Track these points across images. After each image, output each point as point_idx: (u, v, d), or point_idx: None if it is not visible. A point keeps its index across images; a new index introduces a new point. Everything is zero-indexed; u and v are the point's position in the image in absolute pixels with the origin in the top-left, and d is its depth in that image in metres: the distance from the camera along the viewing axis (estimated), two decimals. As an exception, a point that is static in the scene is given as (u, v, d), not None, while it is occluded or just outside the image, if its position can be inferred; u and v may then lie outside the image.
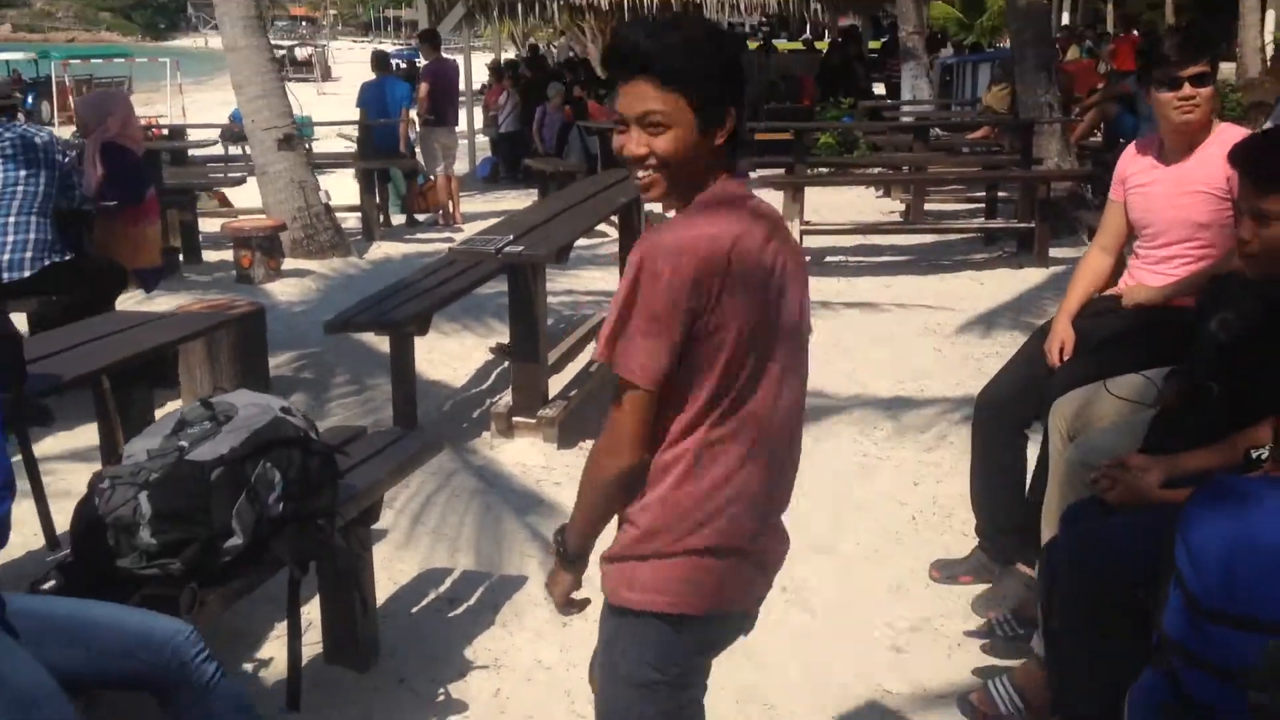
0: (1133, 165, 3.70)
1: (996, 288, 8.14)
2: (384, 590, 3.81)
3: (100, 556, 2.62)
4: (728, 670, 2.79)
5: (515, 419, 5.24)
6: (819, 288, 8.29)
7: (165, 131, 15.33)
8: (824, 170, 12.31)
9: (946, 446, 5.03)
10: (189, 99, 29.42)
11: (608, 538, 2.04)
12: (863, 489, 4.67)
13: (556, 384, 5.61)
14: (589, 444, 5.19)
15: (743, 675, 3.28)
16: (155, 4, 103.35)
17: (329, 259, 9.51)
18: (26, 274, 5.36)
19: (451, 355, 6.67)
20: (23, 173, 5.44)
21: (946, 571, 3.88)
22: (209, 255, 9.62)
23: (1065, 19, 25.58)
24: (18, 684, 2.06)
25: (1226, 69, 17.12)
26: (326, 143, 17.14)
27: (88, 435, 4.88)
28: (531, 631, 3.60)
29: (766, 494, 1.97)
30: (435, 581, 3.97)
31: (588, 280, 8.53)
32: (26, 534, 4.03)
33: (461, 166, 14.45)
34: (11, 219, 5.37)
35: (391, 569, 4.01)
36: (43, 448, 4.98)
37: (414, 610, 3.78)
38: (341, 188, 11.74)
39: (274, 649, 3.43)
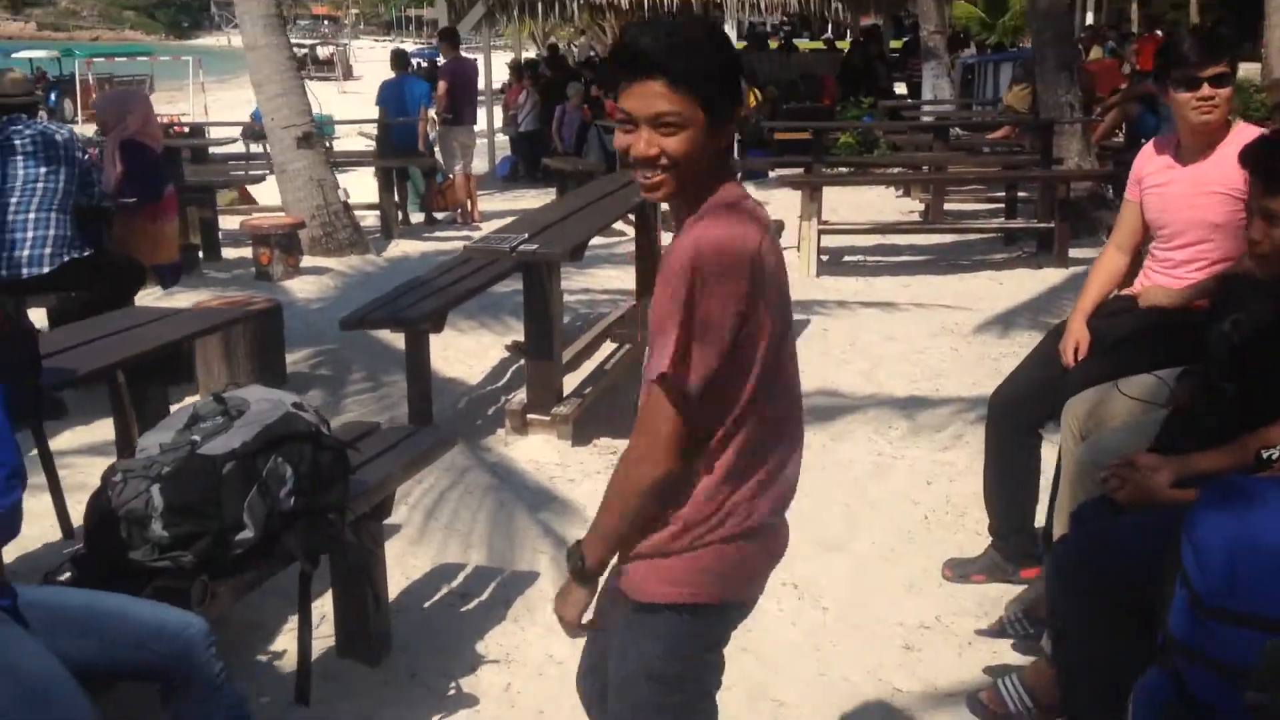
0: (1149, 165, 3.68)
1: (1015, 288, 8.11)
2: (396, 585, 3.82)
3: (113, 549, 2.64)
4: (738, 668, 2.79)
5: (530, 416, 5.26)
6: (837, 287, 8.28)
7: (186, 129, 15.43)
8: (843, 170, 12.29)
9: (961, 446, 5.01)
10: (212, 97, 29.61)
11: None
12: (876, 488, 4.66)
13: (571, 381, 5.62)
14: (603, 441, 5.27)
15: (753, 673, 3.29)
16: (179, 3, 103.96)
17: (347, 257, 9.55)
18: (46, 270, 5.41)
19: (468, 353, 6.69)
20: (43, 169, 5.49)
21: (959, 570, 3.87)
22: (228, 252, 9.68)
23: (1090, 18, 25.41)
24: (30, 673, 2.08)
25: (1251, 69, 17.00)
26: (347, 141, 17.25)
27: (105, 429, 4.92)
28: (543, 627, 3.61)
29: (787, 483, 2.01)
30: (448, 577, 3.98)
31: (604, 279, 8.55)
32: (44, 526, 4.08)
33: (481, 165, 14.51)
34: (32, 215, 5.42)
35: (404, 564, 4.03)
36: (60, 441, 5.03)
37: (426, 605, 3.79)
38: (361, 186, 11.80)
39: (286, 642, 3.45)
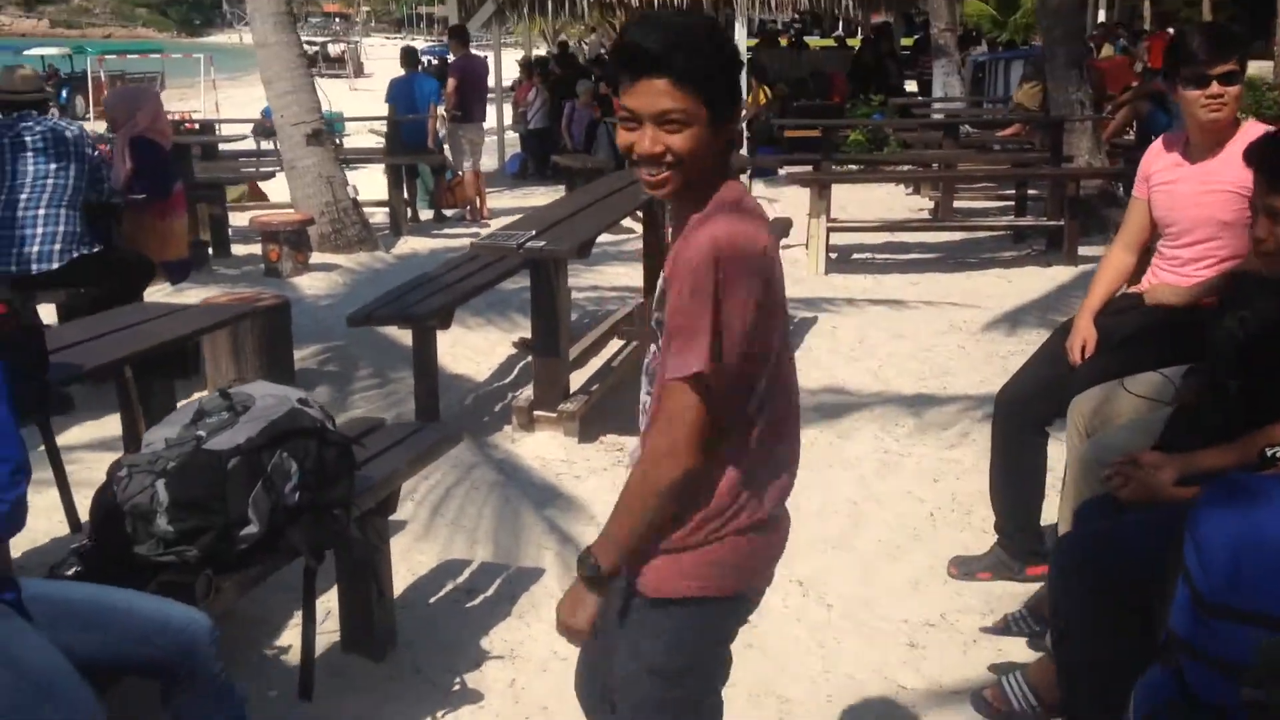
0: (1157, 162, 3.67)
1: (1024, 286, 8.09)
2: (402, 580, 3.83)
3: (118, 543, 2.65)
4: (742, 664, 2.78)
5: (536, 413, 5.26)
6: (846, 284, 8.27)
7: (197, 126, 15.47)
8: (852, 167, 12.28)
9: (968, 444, 5.01)
10: (223, 94, 29.62)
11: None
12: (882, 485, 4.66)
13: (579, 379, 5.63)
14: (609, 438, 5.27)
15: (757, 670, 3.29)
16: (191, 0, 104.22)
17: (356, 254, 9.57)
18: (55, 266, 5.43)
19: (475, 350, 6.70)
20: (53, 166, 5.51)
21: (965, 568, 3.87)
22: (238, 249, 9.70)
23: (1102, 16, 25.32)
24: (34, 667, 2.09)
25: (1265, 67, 16.93)
26: (358, 138, 17.24)
27: (114, 425, 4.93)
28: (548, 623, 3.59)
29: (790, 475, 2.03)
30: (453, 573, 3.99)
31: (612, 276, 8.55)
32: (52, 521, 4.10)
33: (491, 163, 14.51)
34: (41, 211, 5.44)
35: (410, 560, 4.04)
36: (69, 437, 5.06)
37: (431, 600, 3.80)
38: (371, 183, 11.82)
39: (292, 637, 3.46)
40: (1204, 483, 2.16)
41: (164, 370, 4.38)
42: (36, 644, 2.12)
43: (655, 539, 1.92)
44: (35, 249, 5.40)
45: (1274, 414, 2.45)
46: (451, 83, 11.85)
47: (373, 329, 6.19)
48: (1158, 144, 3.74)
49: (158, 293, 6.84)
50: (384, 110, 12.43)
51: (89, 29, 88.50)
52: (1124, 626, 2.30)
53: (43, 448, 3.72)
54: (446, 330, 5.75)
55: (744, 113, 15.12)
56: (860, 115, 15.04)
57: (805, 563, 3.95)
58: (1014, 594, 3.64)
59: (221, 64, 35.20)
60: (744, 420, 1.91)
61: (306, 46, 11.10)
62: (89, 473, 4.45)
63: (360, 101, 24.16)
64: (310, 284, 8.51)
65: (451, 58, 13.01)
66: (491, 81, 14.08)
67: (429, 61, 18.73)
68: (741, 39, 14.35)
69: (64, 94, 29.45)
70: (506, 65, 18.34)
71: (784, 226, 7.77)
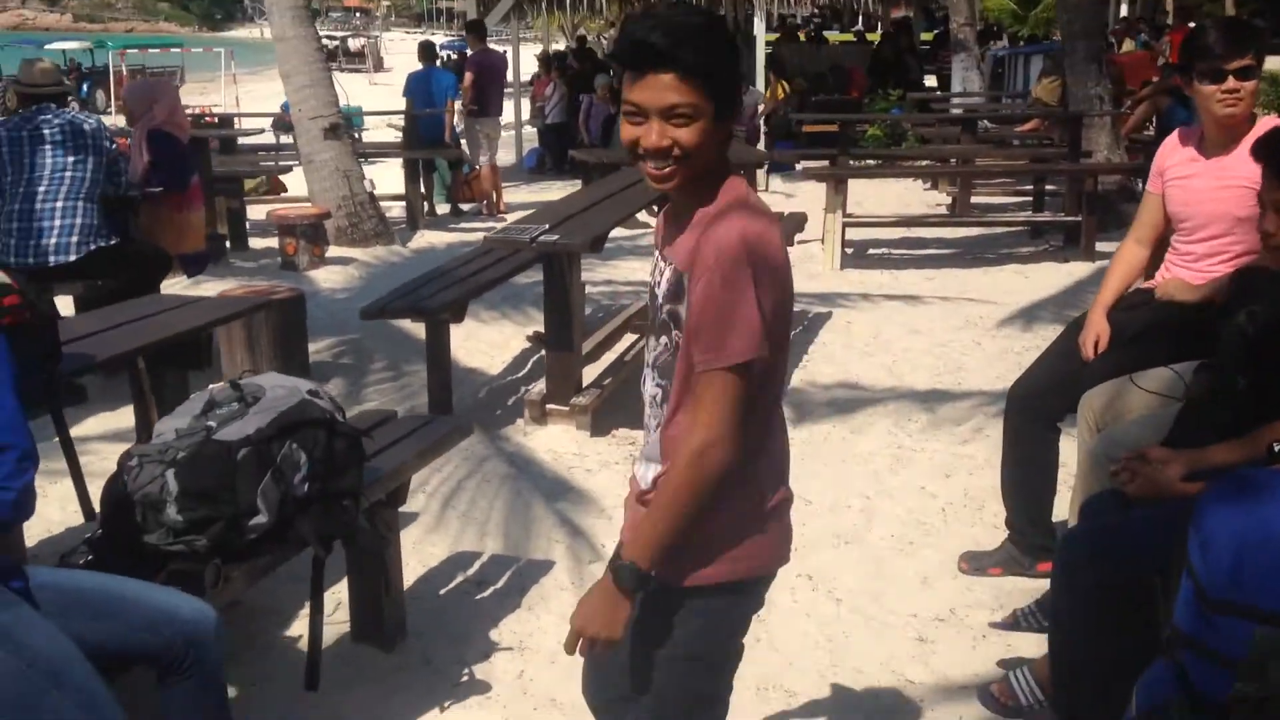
0: (1172, 157, 3.64)
1: (1041, 281, 8.05)
2: (413, 572, 3.85)
3: (128, 532, 2.67)
4: (750, 658, 2.76)
5: (549, 406, 5.27)
6: (861, 280, 8.25)
7: (216, 120, 15.54)
8: (869, 162, 12.24)
9: (981, 439, 4.99)
10: (243, 89, 29.75)
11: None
12: (895, 480, 4.65)
13: (591, 373, 5.63)
14: (621, 432, 5.28)
15: (765, 663, 3.29)
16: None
17: (373, 247, 9.60)
18: (72, 258, 5.46)
19: (490, 343, 6.71)
20: (70, 159, 5.55)
21: (975, 563, 3.86)
22: (255, 242, 9.75)
23: (1124, 10, 25.18)
24: (42, 654, 2.10)
25: (1286, 62, 16.76)
26: (377, 133, 17.27)
27: (128, 416, 4.97)
28: (557, 615, 3.62)
29: (788, 457, 2.09)
30: (463, 564, 4.00)
31: (627, 270, 8.55)
32: (67, 511, 4.13)
33: (508, 157, 14.52)
34: (59, 204, 5.48)
35: (421, 551, 4.05)
36: (85, 427, 5.10)
37: (442, 592, 3.82)
38: (389, 177, 11.85)
39: (302, 627, 3.47)
40: (1211, 478, 2.15)
41: (177, 362, 4.41)
42: (45, 631, 2.14)
43: (691, 531, 1.92)
44: (53, 241, 5.44)
45: (1282, 409, 2.43)
46: (469, 77, 11.87)
47: (387, 322, 6.21)
48: (1173, 139, 3.71)
49: (174, 285, 6.89)
50: (403, 105, 12.47)
51: (111, 23, 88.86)
52: (1127, 624, 2.30)
53: (57, 439, 3.75)
54: (460, 324, 5.76)
55: (762, 107, 15.06)
56: (878, 110, 14.99)
57: (815, 557, 3.95)
58: (1024, 590, 3.63)
59: (242, 58, 35.34)
60: (764, 406, 1.95)
61: (326, 41, 11.16)
62: (104, 463, 4.47)
63: (380, 96, 24.19)
64: (326, 277, 8.54)
65: (469, 52, 13.04)
66: (510, 76, 14.09)
67: (448, 56, 18.78)
68: (761, 33, 14.33)
69: (85, 88, 29.64)
70: (525, 60, 18.35)
71: (798, 222, 7.75)
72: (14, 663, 2.06)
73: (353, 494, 2.94)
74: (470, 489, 4.62)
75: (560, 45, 26.91)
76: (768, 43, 15.58)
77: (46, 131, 5.56)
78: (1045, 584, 3.50)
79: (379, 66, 44.90)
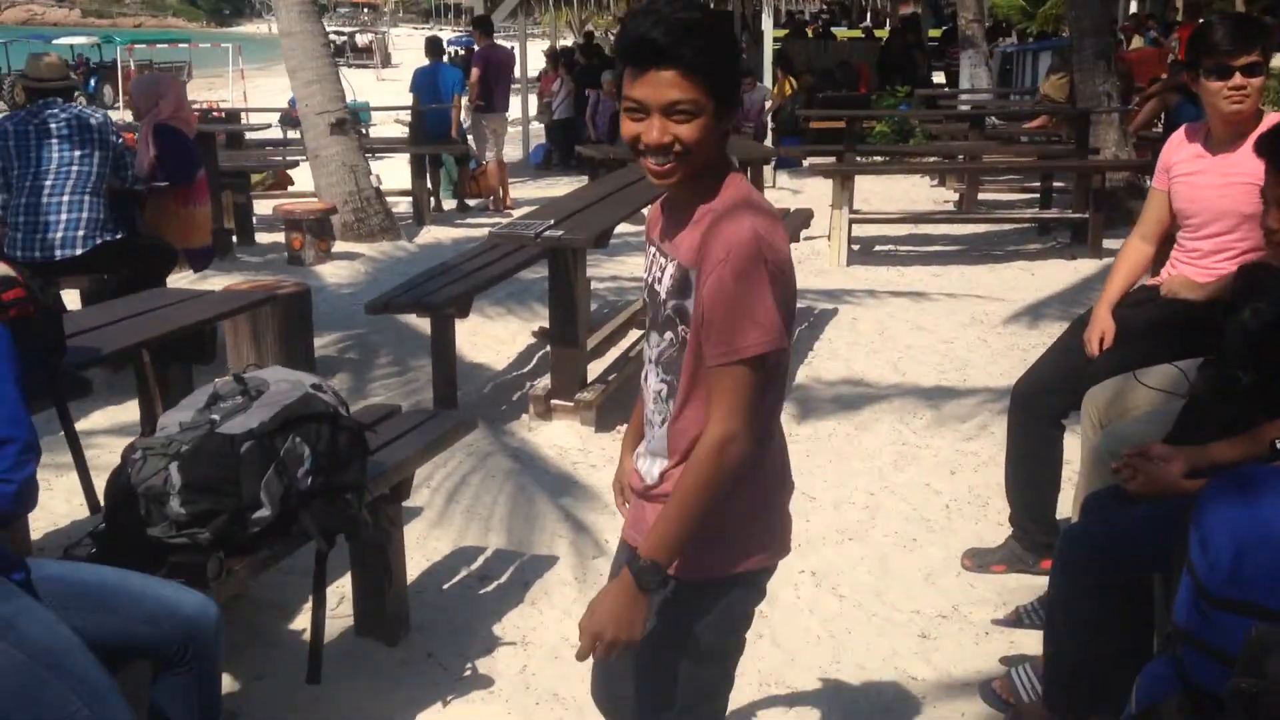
0: (1178, 154, 3.63)
1: (1048, 278, 8.04)
2: (416, 567, 3.86)
3: (131, 525, 2.67)
4: (752, 654, 2.79)
5: (553, 402, 5.27)
6: (867, 276, 8.24)
7: (224, 115, 15.57)
8: (876, 158, 12.22)
9: (986, 436, 4.99)
10: (251, 84, 29.79)
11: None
12: (899, 477, 4.64)
13: (597, 368, 5.64)
14: (625, 427, 5.24)
15: (768, 659, 3.29)
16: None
17: (379, 242, 9.61)
18: (79, 252, 5.48)
19: (495, 338, 6.72)
20: (77, 153, 5.56)
21: (979, 560, 3.85)
22: (262, 237, 9.76)
23: (1134, 7, 25.09)
24: (43, 645, 2.11)
25: (1295, 59, 16.67)
26: (384, 128, 17.32)
27: (134, 410, 4.98)
28: (560, 610, 3.63)
29: (786, 445, 2.12)
30: (467, 559, 4.01)
31: (632, 266, 8.55)
32: (73, 504, 4.14)
33: (515, 153, 14.52)
34: (65, 198, 5.49)
35: (425, 546, 4.06)
36: (91, 421, 5.12)
37: (445, 586, 3.82)
38: (396, 172, 11.86)
39: (305, 621, 3.46)
40: (1213, 475, 2.14)
41: (182, 355, 4.41)
42: (46, 622, 2.14)
43: (710, 525, 1.92)
44: (59, 235, 5.46)
45: (1286, 406, 2.43)
46: (475, 72, 11.87)
47: (392, 317, 6.22)
48: (1179, 135, 3.70)
49: (181, 279, 6.90)
50: (409, 100, 12.49)
51: (119, 18, 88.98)
52: (1127, 621, 2.29)
53: (62, 432, 3.76)
54: (465, 319, 5.76)
55: (769, 103, 15.01)
56: (886, 106, 14.96)
57: (819, 553, 3.95)
58: (1028, 587, 3.63)
59: (250, 54, 35.37)
60: (773, 399, 1.98)
61: (334, 36, 11.16)
62: (109, 456, 4.49)
63: (387, 91, 24.25)
64: (332, 272, 8.55)
65: (476, 48, 13.04)
66: (517, 72, 14.09)
67: (455, 52, 18.78)
68: (768, 29, 14.31)
69: (92, 83, 29.68)
70: (532, 55, 18.35)
71: (804, 218, 7.74)
72: (16, 654, 2.07)
73: (356, 488, 2.95)
74: (474, 484, 4.62)
75: (567, 41, 26.92)
76: (775, 39, 15.56)
77: (53, 126, 5.57)
78: (1048, 581, 3.51)
79: (386, 62, 44.86)
